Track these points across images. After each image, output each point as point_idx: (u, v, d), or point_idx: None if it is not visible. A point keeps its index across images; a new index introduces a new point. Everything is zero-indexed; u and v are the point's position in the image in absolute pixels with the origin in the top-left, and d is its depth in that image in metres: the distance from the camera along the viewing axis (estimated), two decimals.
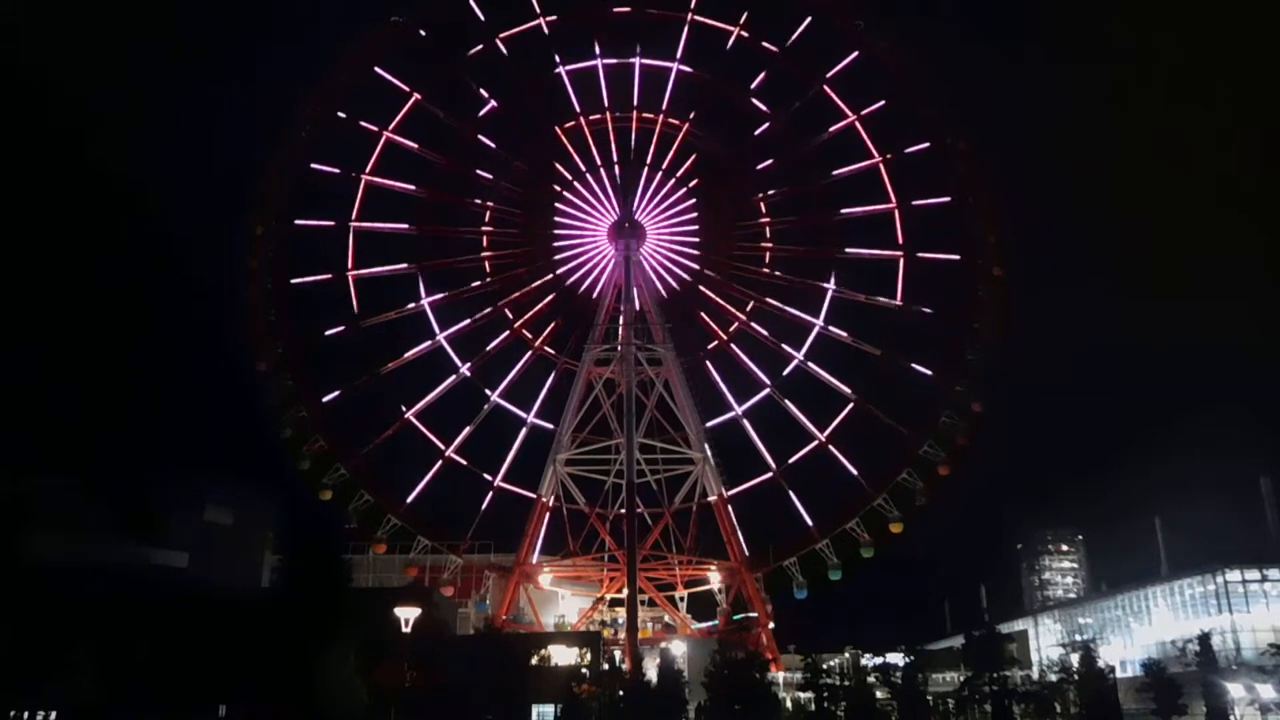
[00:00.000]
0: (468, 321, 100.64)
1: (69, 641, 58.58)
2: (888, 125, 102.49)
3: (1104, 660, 77.59)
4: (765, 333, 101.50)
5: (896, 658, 77.72)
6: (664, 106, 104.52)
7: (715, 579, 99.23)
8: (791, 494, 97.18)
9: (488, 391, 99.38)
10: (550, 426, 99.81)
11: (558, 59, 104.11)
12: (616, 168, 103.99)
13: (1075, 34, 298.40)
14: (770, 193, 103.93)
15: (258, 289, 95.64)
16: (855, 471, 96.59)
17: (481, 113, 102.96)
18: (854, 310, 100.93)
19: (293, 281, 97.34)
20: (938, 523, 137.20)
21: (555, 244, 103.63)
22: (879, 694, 72.69)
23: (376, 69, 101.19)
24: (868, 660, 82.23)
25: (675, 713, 66.91)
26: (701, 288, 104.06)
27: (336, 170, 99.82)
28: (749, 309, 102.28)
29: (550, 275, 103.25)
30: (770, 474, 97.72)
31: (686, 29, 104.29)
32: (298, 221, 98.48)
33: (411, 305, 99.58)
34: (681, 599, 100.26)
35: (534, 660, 75.23)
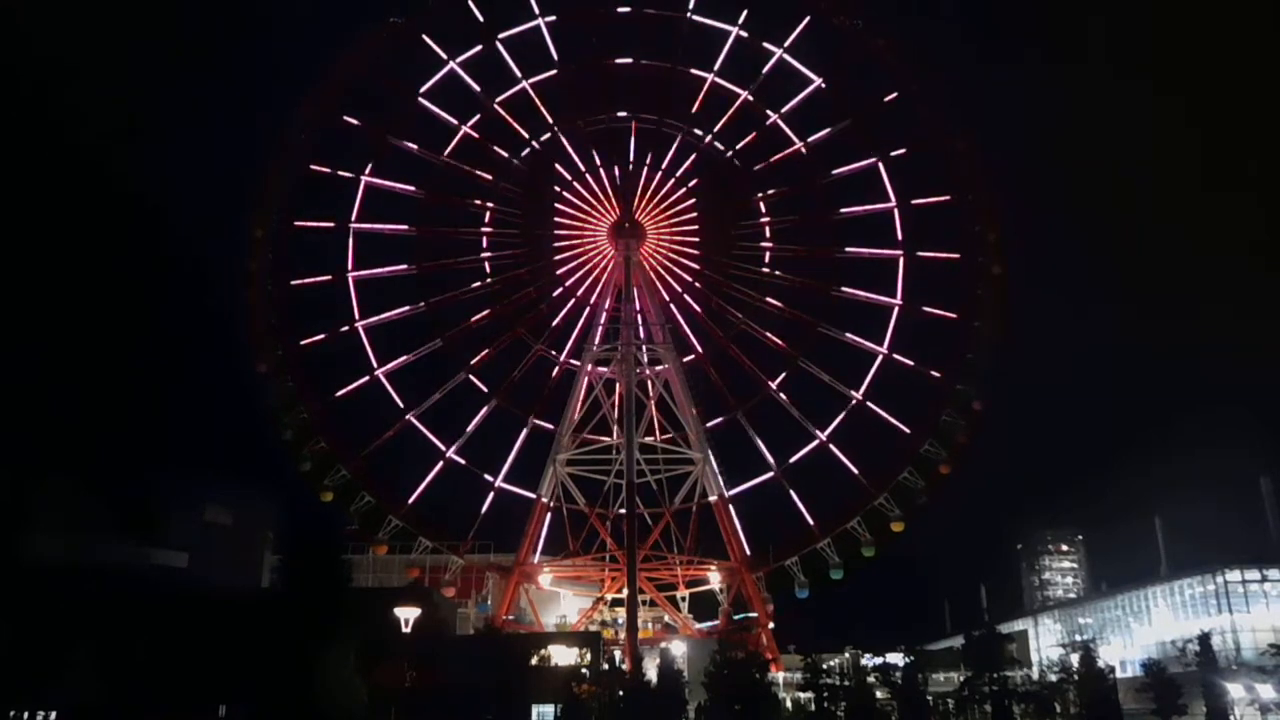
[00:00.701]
0: (469, 322, 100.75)
1: (69, 641, 58.66)
2: (887, 124, 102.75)
3: (1104, 660, 77.50)
4: (765, 332, 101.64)
5: (896, 658, 77.76)
6: (663, 107, 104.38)
7: (715, 579, 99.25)
8: (792, 493, 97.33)
9: (488, 391, 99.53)
10: (550, 427, 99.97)
11: (557, 59, 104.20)
12: (616, 168, 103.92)
13: (1075, 34, 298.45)
14: (770, 192, 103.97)
15: (257, 290, 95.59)
16: (856, 471, 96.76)
17: (481, 112, 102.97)
18: (854, 309, 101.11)
19: (293, 283, 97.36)
20: (938, 523, 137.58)
21: (555, 244, 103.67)
22: (879, 694, 72.68)
23: (375, 70, 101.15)
24: (868, 660, 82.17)
25: (675, 713, 66.91)
26: (702, 287, 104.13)
27: (336, 172, 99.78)
28: (749, 308, 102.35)
29: (550, 276, 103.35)
30: (771, 474, 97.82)
31: (685, 29, 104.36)
32: (297, 223, 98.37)
33: (411, 306, 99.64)
34: (683, 599, 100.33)
35: (534, 660, 75.22)
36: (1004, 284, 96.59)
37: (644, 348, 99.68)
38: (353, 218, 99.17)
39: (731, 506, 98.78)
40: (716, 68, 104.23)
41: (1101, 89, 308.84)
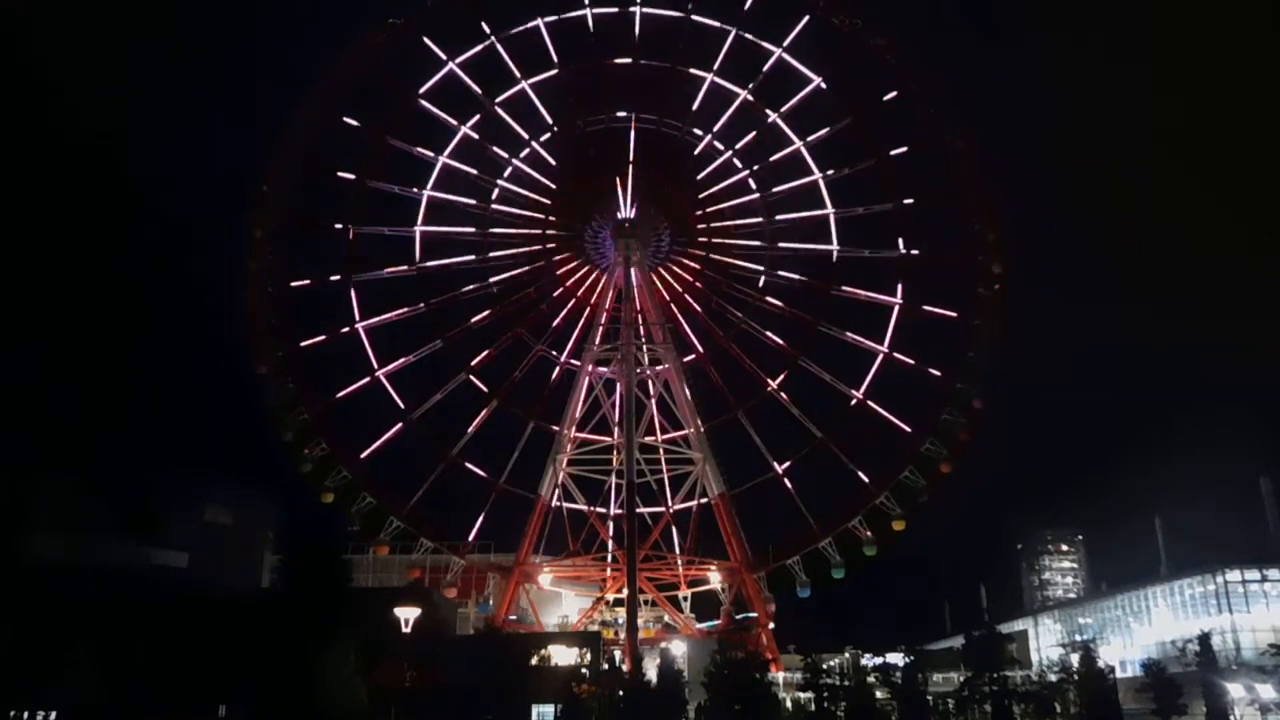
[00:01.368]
0: (469, 323, 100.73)
1: (69, 641, 58.68)
2: (886, 123, 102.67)
3: (1104, 660, 77.46)
4: (766, 331, 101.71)
5: (896, 658, 77.70)
6: (662, 106, 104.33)
7: (715, 579, 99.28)
8: (793, 492, 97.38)
9: (489, 392, 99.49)
10: (551, 427, 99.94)
11: (556, 59, 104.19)
12: (616, 168, 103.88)
13: (1076, 33, 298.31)
14: (769, 191, 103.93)
15: (257, 291, 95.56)
16: (857, 470, 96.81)
17: (480, 114, 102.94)
18: (854, 308, 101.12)
19: (293, 284, 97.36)
20: (938, 523, 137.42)
21: (556, 245, 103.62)
22: (879, 694, 72.62)
23: (375, 71, 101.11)
24: (868, 660, 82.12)
25: (675, 713, 66.88)
26: (702, 286, 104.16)
27: (336, 173, 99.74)
28: (749, 308, 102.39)
29: (551, 276, 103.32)
30: (772, 473, 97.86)
31: (684, 29, 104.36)
32: (297, 225, 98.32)
33: (411, 307, 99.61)
34: (685, 598, 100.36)
35: (534, 660, 75.23)
36: (1004, 283, 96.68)
37: (644, 348, 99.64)
38: (353, 218, 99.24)
39: (732, 506, 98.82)
40: (716, 67, 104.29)
41: (1102, 89, 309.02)
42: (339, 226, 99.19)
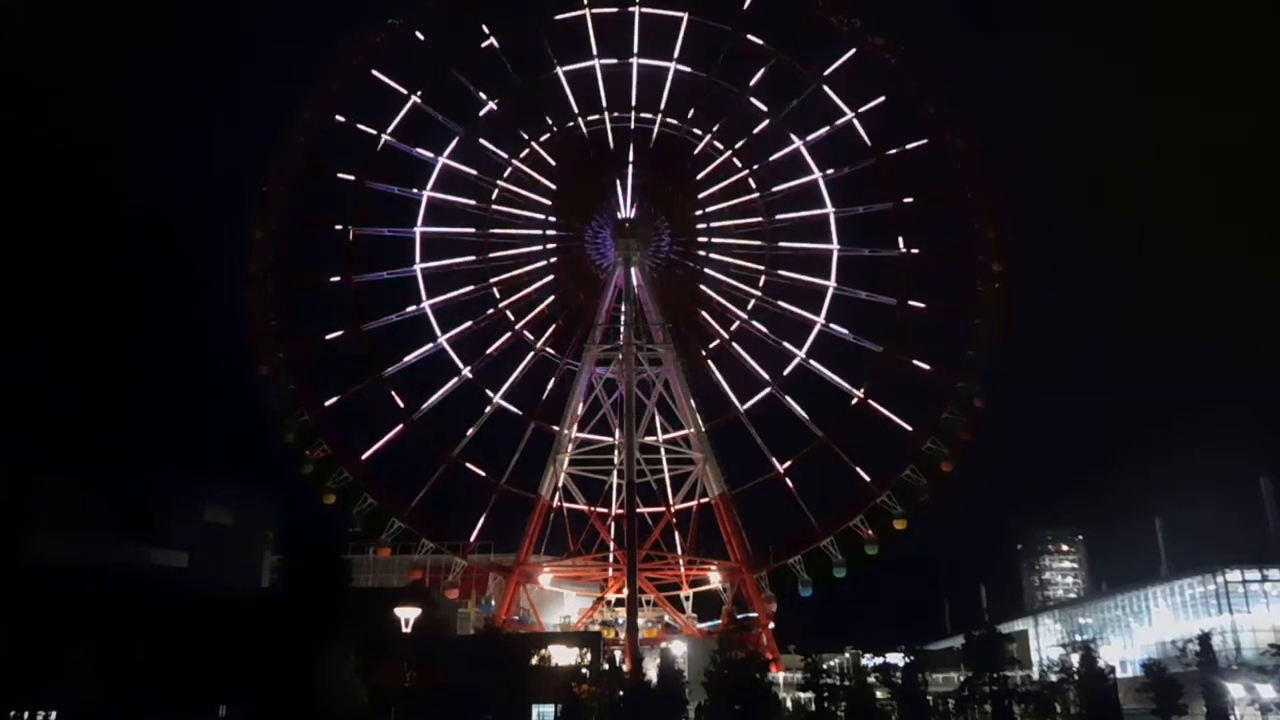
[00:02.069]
0: (469, 324, 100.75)
1: (69, 641, 58.65)
2: (886, 122, 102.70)
3: (1104, 660, 77.46)
4: (766, 331, 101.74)
5: (896, 658, 77.65)
6: (662, 107, 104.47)
7: (716, 579, 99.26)
8: (795, 492, 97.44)
9: (490, 393, 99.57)
10: (552, 428, 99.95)
11: (555, 60, 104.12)
12: (615, 168, 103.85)
13: (1075, 33, 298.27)
14: (769, 190, 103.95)
15: (258, 292, 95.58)
16: (858, 468, 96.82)
17: (480, 114, 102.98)
18: (854, 307, 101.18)
19: (293, 285, 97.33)
20: (939, 522, 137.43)
21: (555, 245, 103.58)
22: (879, 694, 72.58)
23: (374, 71, 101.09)
24: (868, 660, 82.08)
25: (675, 713, 66.86)
26: (702, 286, 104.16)
27: (335, 173, 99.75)
28: (749, 307, 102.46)
29: (551, 277, 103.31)
30: (773, 472, 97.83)
31: (683, 28, 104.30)
32: (297, 225, 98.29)
33: (412, 308, 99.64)
34: (687, 598, 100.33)
35: (534, 660, 75.20)
36: (1004, 281, 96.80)
37: (644, 348, 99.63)
38: (353, 219, 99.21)
39: (733, 506, 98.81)
40: (714, 67, 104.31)
41: (1102, 89, 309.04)
42: (339, 227, 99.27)
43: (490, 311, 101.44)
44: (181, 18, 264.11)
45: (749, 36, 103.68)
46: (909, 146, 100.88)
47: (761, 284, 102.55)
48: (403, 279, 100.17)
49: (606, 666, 74.45)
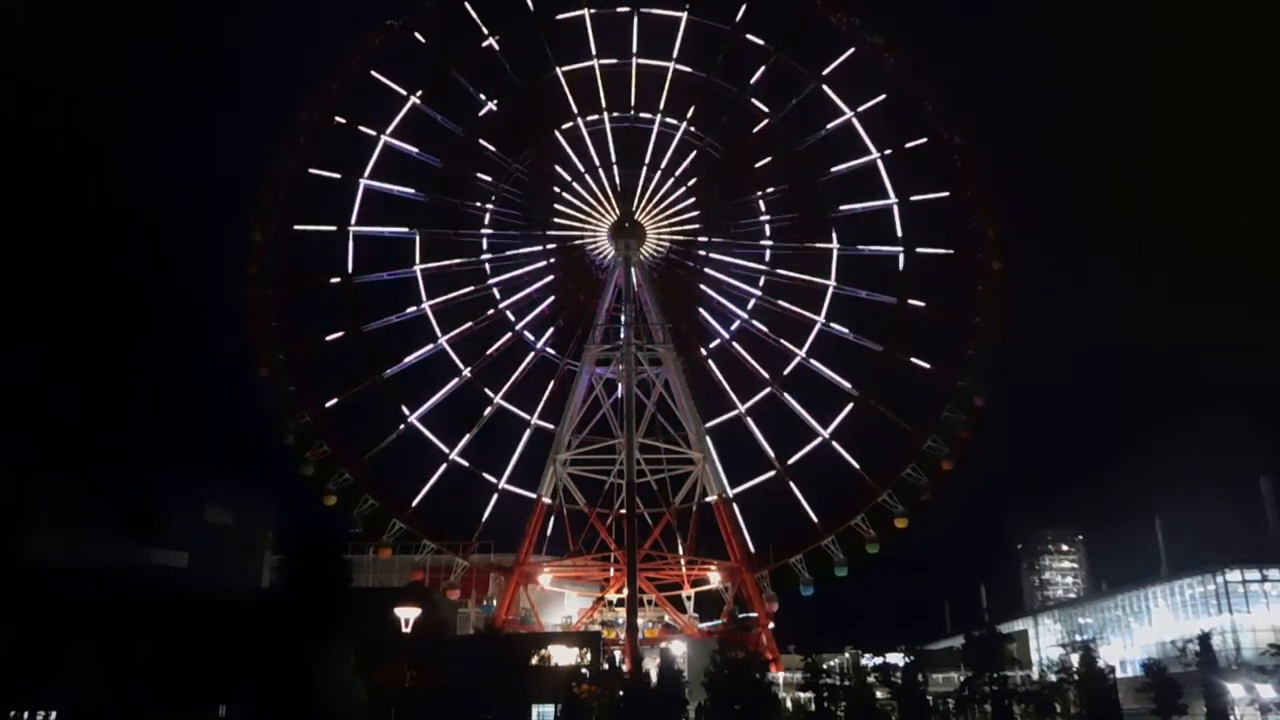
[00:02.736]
0: (469, 325, 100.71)
1: (69, 641, 58.68)
2: (885, 121, 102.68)
3: (1104, 660, 77.45)
4: (766, 330, 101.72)
5: (896, 658, 77.61)
6: (661, 106, 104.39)
7: (716, 579, 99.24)
8: (796, 491, 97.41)
9: (490, 393, 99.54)
10: (552, 428, 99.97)
11: (554, 60, 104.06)
12: (615, 168, 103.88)
13: (1075, 32, 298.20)
14: (769, 190, 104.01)
15: (257, 294, 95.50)
16: (859, 467, 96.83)
17: (479, 114, 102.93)
18: (854, 306, 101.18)
19: (292, 286, 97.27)
20: (939, 522, 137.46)
21: (555, 245, 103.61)
22: (879, 694, 72.57)
23: (373, 72, 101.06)
24: (868, 660, 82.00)
25: (675, 713, 66.88)
26: (702, 286, 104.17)
27: (335, 174, 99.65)
28: (750, 307, 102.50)
29: (550, 277, 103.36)
30: (773, 472, 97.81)
31: (682, 27, 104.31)
32: (297, 226, 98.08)
33: (412, 309, 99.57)
34: (689, 598, 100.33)
35: (534, 660, 75.23)
36: (1004, 279, 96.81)
37: (644, 348, 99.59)
38: (353, 220, 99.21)
39: (734, 505, 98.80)
40: (713, 67, 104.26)
41: (1103, 90, 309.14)
42: (339, 227, 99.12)
43: (490, 312, 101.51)
44: (181, 18, 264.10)
45: (748, 36, 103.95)
46: (908, 145, 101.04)
47: (761, 283, 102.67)
48: (403, 279, 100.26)
49: (606, 666, 74.51)
